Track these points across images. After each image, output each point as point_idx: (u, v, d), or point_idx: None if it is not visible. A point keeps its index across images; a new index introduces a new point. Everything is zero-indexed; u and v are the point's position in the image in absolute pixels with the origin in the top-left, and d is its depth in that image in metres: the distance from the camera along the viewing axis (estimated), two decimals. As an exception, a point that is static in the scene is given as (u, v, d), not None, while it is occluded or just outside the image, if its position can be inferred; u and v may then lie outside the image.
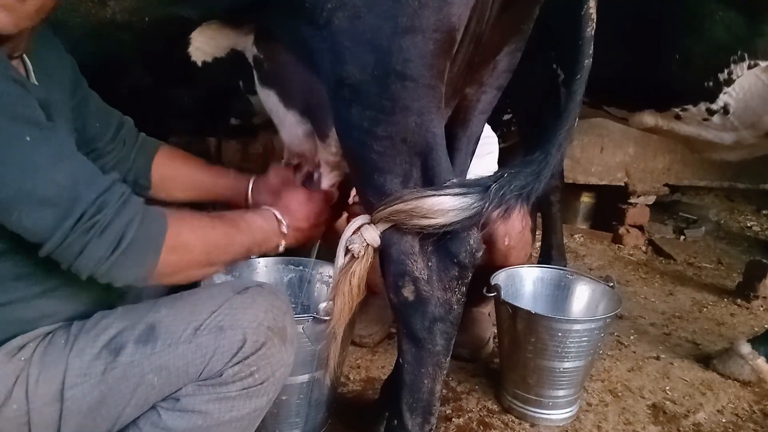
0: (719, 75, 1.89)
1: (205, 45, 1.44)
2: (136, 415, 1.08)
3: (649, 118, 2.14)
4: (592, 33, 1.19)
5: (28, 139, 0.93)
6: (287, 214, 1.34)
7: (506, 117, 2.84)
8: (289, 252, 1.63)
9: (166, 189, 1.44)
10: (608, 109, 2.29)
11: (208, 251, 1.13)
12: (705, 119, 2.00)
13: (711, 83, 1.90)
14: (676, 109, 2.04)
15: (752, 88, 1.87)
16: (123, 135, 1.37)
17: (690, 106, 2.00)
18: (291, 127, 1.44)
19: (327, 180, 1.48)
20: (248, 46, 1.42)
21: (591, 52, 1.20)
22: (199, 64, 1.49)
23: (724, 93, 1.91)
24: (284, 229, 1.32)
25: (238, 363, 1.08)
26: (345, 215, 1.62)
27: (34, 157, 0.93)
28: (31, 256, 1.02)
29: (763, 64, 1.82)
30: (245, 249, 1.23)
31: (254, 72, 1.44)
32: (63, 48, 1.22)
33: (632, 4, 2.02)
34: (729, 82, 1.88)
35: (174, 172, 1.47)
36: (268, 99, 1.44)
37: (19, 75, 0.98)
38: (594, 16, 1.19)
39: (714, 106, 1.95)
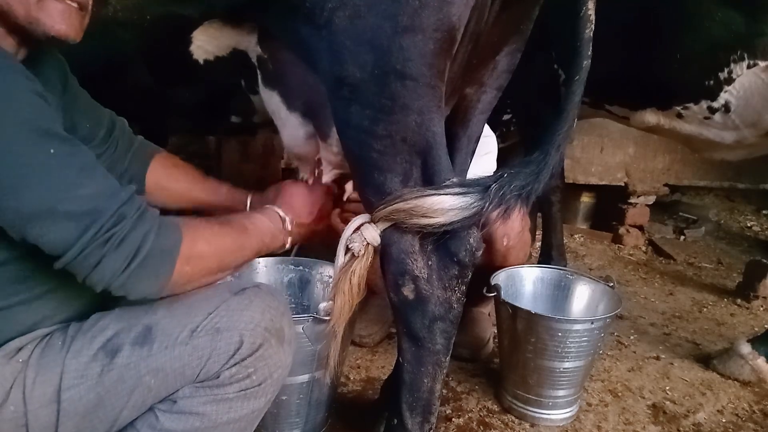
0: (720, 74, 1.89)
1: (206, 44, 1.44)
2: (133, 417, 1.08)
3: (650, 117, 2.14)
4: (591, 34, 1.19)
5: (52, 151, 0.94)
6: (289, 211, 1.35)
7: (506, 117, 2.84)
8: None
9: (159, 197, 1.43)
10: (610, 108, 2.29)
11: (221, 259, 1.14)
12: (706, 117, 2.00)
13: (712, 81, 1.91)
14: (678, 108, 2.04)
15: (753, 87, 1.88)
16: (116, 136, 1.36)
17: (691, 105, 2.00)
18: (293, 128, 1.44)
19: (327, 177, 1.49)
20: (251, 46, 1.42)
21: (590, 53, 1.20)
22: (201, 62, 1.49)
23: (725, 91, 1.91)
24: (288, 227, 1.33)
25: (235, 365, 1.07)
26: (338, 211, 1.62)
27: (60, 172, 0.94)
28: (33, 259, 1.02)
29: (762, 63, 1.83)
30: (255, 252, 1.24)
31: (258, 72, 1.44)
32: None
33: (633, 3, 2.02)
34: (729, 80, 1.89)
35: (169, 182, 1.46)
36: (271, 100, 1.44)
37: (40, 87, 1.00)
38: (593, 17, 1.19)
39: (715, 104, 1.95)
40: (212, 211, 1.52)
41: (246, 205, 1.53)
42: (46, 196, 0.92)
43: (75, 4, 1.02)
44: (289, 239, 1.35)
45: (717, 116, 1.98)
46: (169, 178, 1.46)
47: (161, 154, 1.48)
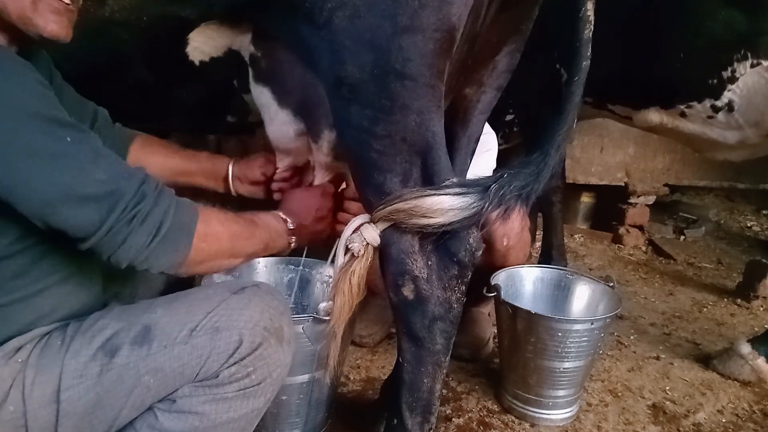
0: (723, 73, 1.89)
1: (203, 45, 1.44)
2: (132, 417, 1.08)
3: (654, 116, 2.14)
4: (590, 35, 1.19)
5: (68, 140, 0.97)
6: (290, 215, 1.41)
7: (509, 118, 2.83)
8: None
9: None
10: (612, 107, 2.29)
11: (233, 242, 1.20)
12: (710, 117, 2.00)
13: (715, 80, 1.91)
14: (682, 107, 2.04)
15: (756, 86, 1.88)
16: (99, 125, 1.39)
17: (695, 103, 2.00)
18: (282, 125, 1.44)
19: (318, 181, 1.51)
20: (245, 45, 1.42)
21: (589, 53, 1.20)
22: (197, 63, 1.49)
23: (729, 90, 1.91)
24: (290, 227, 1.39)
25: (235, 364, 1.07)
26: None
27: (77, 157, 0.98)
28: (31, 255, 1.03)
29: (765, 62, 1.83)
30: (264, 244, 1.31)
31: (250, 69, 1.44)
32: None
33: (635, 2, 2.02)
34: (733, 79, 1.89)
35: (149, 158, 1.50)
36: (261, 96, 1.44)
37: (42, 78, 1.02)
38: (592, 17, 1.19)
39: (719, 103, 1.95)
40: (198, 181, 1.58)
41: (228, 170, 1.59)
42: (68, 181, 0.96)
43: (68, 2, 1.05)
44: (293, 240, 1.40)
45: (720, 115, 1.98)
46: (149, 154, 1.51)
47: (140, 135, 1.52)
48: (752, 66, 1.85)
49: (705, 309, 2.92)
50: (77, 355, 1.02)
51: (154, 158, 1.51)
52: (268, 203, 1.62)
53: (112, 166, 1.02)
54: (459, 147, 1.39)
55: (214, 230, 1.14)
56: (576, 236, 3.96)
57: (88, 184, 0.97)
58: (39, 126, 0.95)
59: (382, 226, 1.23)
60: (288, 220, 1.39)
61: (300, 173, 1.65)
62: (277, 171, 1.61)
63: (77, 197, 0.96)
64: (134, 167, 1.06)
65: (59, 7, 1.04)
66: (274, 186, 1.62)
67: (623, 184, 3.91)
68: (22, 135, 0.93)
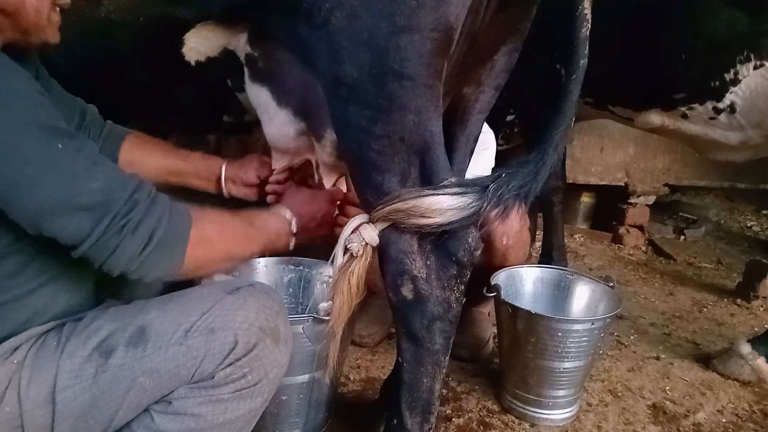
0: (725, 75, 1.89)
1: (199, 45, 1.44)
2: (129, 418, 1.08)
3: (655, 118, 2.14)
4: (588, 33, 1.19)
5: (60, 147, 0.97)
6: (295, 217, 1.39)
7: (509, 118, 2.83)
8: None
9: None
10: (613, 109, 2.28)
11: (229, 246, 1.18)
12: (711, 118, 2.00)
13: (717, 82, 1.91)
14: (683, 108, 2.04)
15: (759, 88, 1.87)
16: (87, 123, 1.39)
17: (696, 105, 2.00)
18: (282, 125, 1.43)
19: (328, 182, 1.50)
20: (240, 44, 1.42)
21: (586, 52, 1.20)
22: (193, 63, 1.50)
23: (731, 92, 1.91)
24: (294, 229, 1.37)
25: (230, 365, 1.07)
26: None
27: (70, 166, 0.97)
28: (25, 253, 1.03)
29: (769, 64, 1.83)
30: (261, 245, 1.28)
31: (245, 69, 1.44)
32: None
33: (638, 3, 2.02)
34: (735, 81, 1.88)
35: (141, 157, 1.49)
36: (259, 95, 1.43)
37: (39, 85, 1.03)
38: (589, 16, 1.19)
39: (720, 105, 1.95)
40: (191, 182, 1.56)
41: (221, 171, 1.57)
42: (60, 191, 0.95)
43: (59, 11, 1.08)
44: (293, 241, 1.38)
45: (722, 117, 1.98)
46: (141, 153, 1.49)
47: (132, 133, 1.50)
48: (755, 68, 1.84)
49: (705, 309, 2.92)
50: (72, 356, 1.02)
51: (148, 158, 1.50)
52: (261, 205, 1.61)
53: (104, 174, 1.00)
54: (457, 146, 1.39)
55: (208, 236, 1.12)
56: (576, 236, 3.96)
57: (82, 194, 0.96)
58: (31, 134, 0.95)
59: (381, 226, 1.23)
60: (292, 221, 1.38)
61: (295, 175, 1.64)
62: (273, 173, 1.60)
63: (70, 207, 0.96)
64: (129, 174, 1.05)
65: (59, 20, 1.08)
66: (269, 188, 1.61)
67: (623, 184, 3.91)
68: (18, 144, 0.93)
